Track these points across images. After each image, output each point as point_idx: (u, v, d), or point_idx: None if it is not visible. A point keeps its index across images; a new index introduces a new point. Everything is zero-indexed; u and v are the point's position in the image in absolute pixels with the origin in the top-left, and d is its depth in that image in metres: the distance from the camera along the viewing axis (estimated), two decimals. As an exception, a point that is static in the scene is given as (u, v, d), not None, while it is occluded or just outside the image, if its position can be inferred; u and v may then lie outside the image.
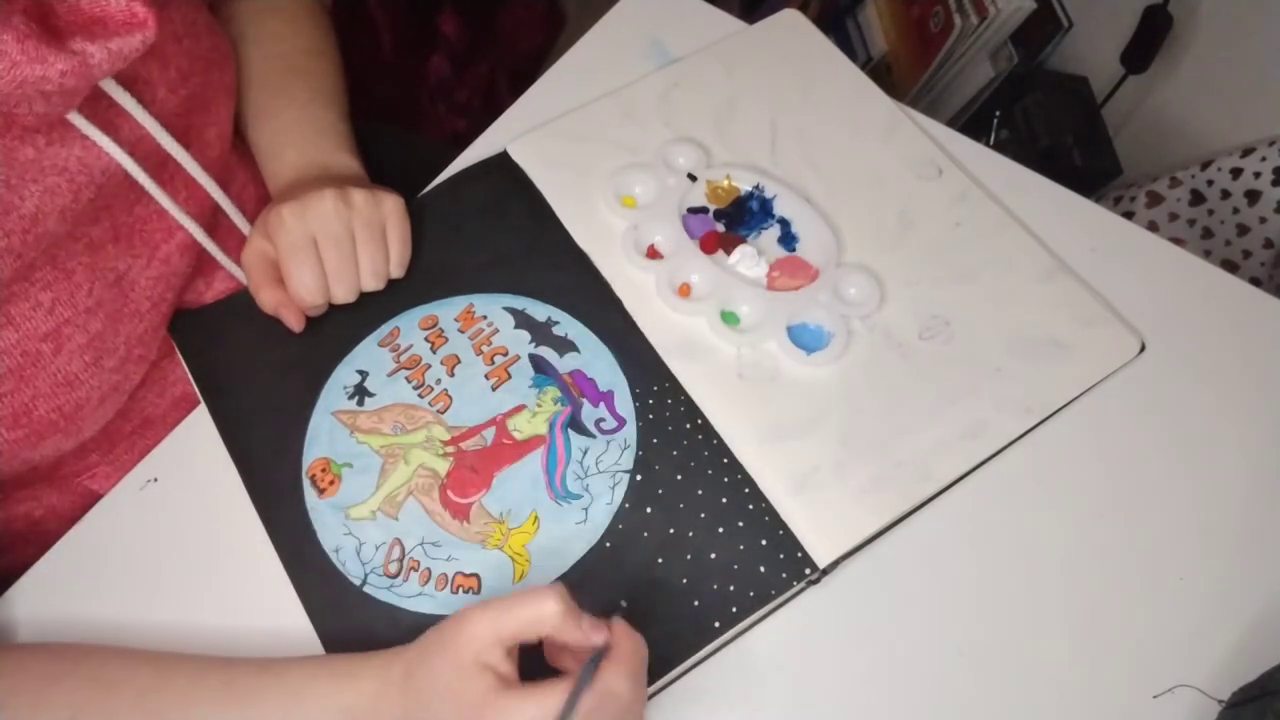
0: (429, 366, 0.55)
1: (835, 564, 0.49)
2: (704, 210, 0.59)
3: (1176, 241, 0.67)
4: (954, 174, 0.61)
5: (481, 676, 0.37)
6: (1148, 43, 1.07)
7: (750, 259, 0.56)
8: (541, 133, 0.62)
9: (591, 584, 0.48)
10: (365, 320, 0.56)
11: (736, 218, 0.59)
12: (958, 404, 0.53)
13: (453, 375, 0.54)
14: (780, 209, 0.59)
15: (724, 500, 0.50)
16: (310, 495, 0.51)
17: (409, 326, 0.56)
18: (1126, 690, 0.47)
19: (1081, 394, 0.54)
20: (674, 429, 0.52)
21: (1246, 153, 1.02)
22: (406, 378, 0.54)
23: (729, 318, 0.56)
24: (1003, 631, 0.49)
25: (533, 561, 0.49)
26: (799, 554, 0.49)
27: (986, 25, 1.12)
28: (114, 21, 0.41)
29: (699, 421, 0.52)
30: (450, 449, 0.52)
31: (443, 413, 0.53)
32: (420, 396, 0.54)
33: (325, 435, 0.53)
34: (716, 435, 0.52)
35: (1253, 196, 1.02)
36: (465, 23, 0.67)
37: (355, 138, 0.59)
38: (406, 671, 0.40)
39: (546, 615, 0.38)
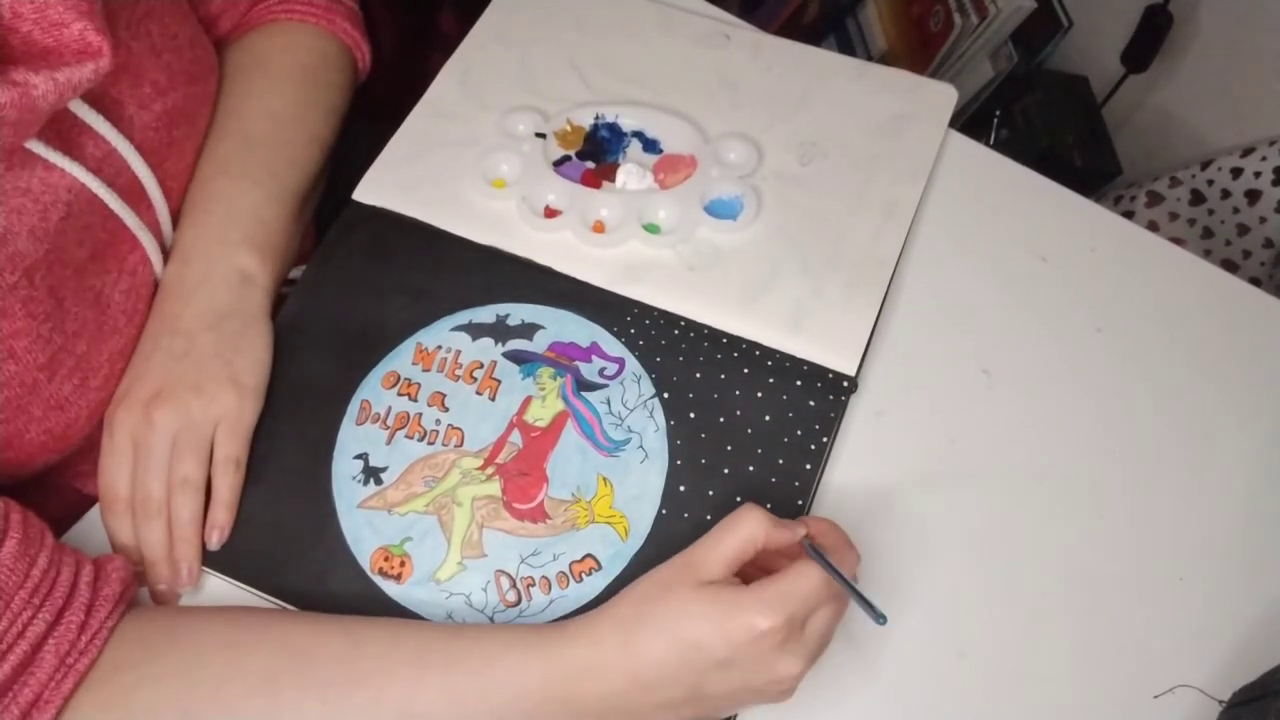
0: (420, 415, 0.53)
1: (859, 370, 0.54)
2: (568, 159, 0.61)
3: (1176, 241, 0.67)
4: (739, 34, 0.67)
5: (721, 590, 0.40)
6: (1148, 42, 1.06)
7: (635, 174, 0.59)
8: (378, 168, 0.61)
9: (687, 500, 0.50)
10: (331, 411, 0.53)
11: (598, 151, 0.61)
12: (863, 198, 0.59)
13: (446, 409, 0.53)
14: (627, 125, 0.62)
15: (745, 371, 0.54)
16: (390, 587, 0.48)
17: (374, 393, 0.54)
18: (1126, 690, 0.47)
19: (940, 145, 0.62)
20: (667, 341, 0.55)
21: (1246, 153, 1.01)
22: (405, 436, 0.52)
23: (652, 229, 0.58)
24: (1003, 632, 0.49)
25: (627, 514, 0.50)
26: (830, 375, 0.53)
27: (986, 25, 1.10)
28: (68, 51, 0.40)
29: (682, 324, 0.55)
30: (489, 470, 0.51)
31: (460, 445, 0.52)
32: (429, 444, 0.52)
33: (366, 529, 0.50)
34: (704, 326, 0.55)
35: (1253, 196, 1.00)
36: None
37: (291, 213, 0.57)
38: (623, 636, 0.41)
39: (756, 528, 0.41)
